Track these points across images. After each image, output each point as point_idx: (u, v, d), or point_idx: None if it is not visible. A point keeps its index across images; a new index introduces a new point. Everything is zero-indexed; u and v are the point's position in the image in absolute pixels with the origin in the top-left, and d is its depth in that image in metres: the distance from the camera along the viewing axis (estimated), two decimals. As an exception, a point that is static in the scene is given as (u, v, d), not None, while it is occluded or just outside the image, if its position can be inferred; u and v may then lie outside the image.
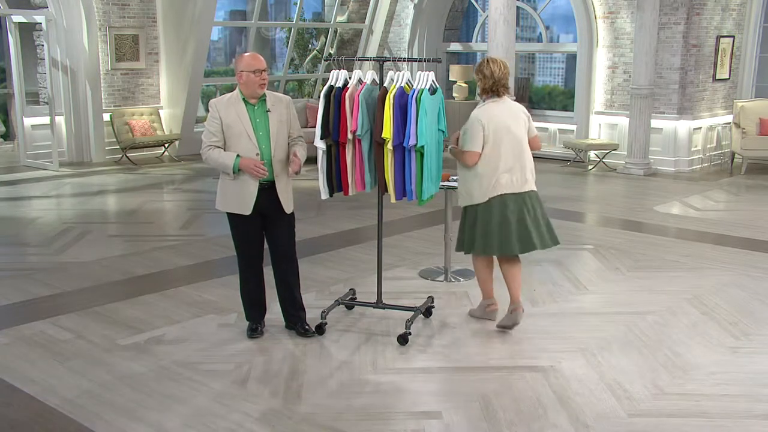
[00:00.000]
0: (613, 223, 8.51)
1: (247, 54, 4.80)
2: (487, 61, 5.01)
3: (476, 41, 14.31)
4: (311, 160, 5.14)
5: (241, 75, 4.70)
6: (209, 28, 12.33)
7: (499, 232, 4.98)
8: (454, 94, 13.51)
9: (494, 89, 4.99)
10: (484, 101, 5.05)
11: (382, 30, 14.52)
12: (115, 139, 11.87)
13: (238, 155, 4.67)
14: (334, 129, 4.93)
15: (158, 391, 4.27)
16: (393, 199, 5.00)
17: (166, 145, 12.36)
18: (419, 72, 4.98)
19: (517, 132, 5.00)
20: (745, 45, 12.31)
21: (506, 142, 4.93)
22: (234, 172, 4.68)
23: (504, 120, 4.96)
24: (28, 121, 11.66)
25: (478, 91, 5.12)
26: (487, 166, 4.93)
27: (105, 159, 12.02)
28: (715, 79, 11.98)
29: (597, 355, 4.79)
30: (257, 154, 4.71)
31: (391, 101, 4.76)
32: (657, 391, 4.31)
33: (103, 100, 11.90)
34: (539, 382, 4.41)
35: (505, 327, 5.17)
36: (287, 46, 14.59)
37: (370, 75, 5.06)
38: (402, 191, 4.95)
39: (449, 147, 5.23)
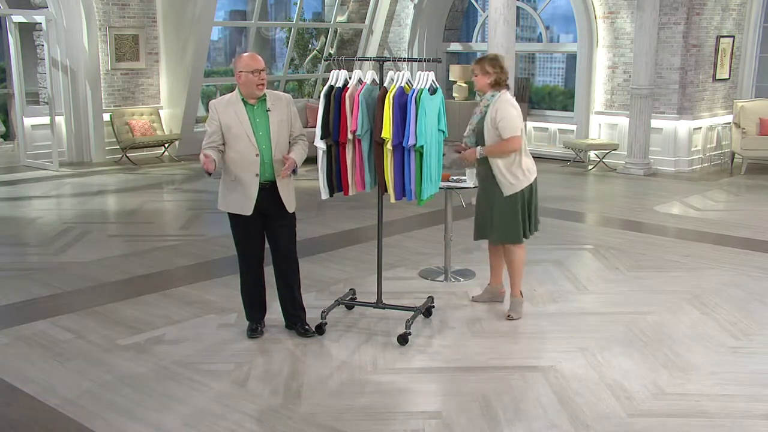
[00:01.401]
0: (613, 223, 8.51)
1: (245, 54, 4.79)
2: (497, 56, 5.28)
3: (476, 41, 14.31)
4: (311, 159, 5.14)
5: (239, 75, 4.69)
6: (209, 28, 12.33)
7: (537, 211, 5.39)
8: (454, 94, 13.50)
9: (504, 82, 5.24)
10: (493, 95, 5.19)
11: (382, 30, 14.52)
12: (115, 139, 11.87)
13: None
14: (334, 129, 4.92)
15: (158, 391, 4.27)
16: (392, 199, 5.00)
17: (166, 145, 12.36)
18: (419, 72, 4.98)
19: None
20: (745, 45, 12.31)
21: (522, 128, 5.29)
22: (208, 173, 4.65)
23: None
24: (28, 121, 11.66)
25: (489, 81, 5.19)
26: (524, 150, 5.23)
27: (105, 159, 12.01)
28: (715, 79, 11.98)
29: (597, 355, 4.79)
30: (257, 155, 4.71)
31: (391, 101, 4.76)
32: (657, 391, 4.31)
33: (103, 100, 11.89)
34: (539, 382, 4.41)
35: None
36: (287, 46, 14.59)
37: (370, 75, 5.05)
38: (401, 191, 4.94)
39: (478, 151, 5.22)
